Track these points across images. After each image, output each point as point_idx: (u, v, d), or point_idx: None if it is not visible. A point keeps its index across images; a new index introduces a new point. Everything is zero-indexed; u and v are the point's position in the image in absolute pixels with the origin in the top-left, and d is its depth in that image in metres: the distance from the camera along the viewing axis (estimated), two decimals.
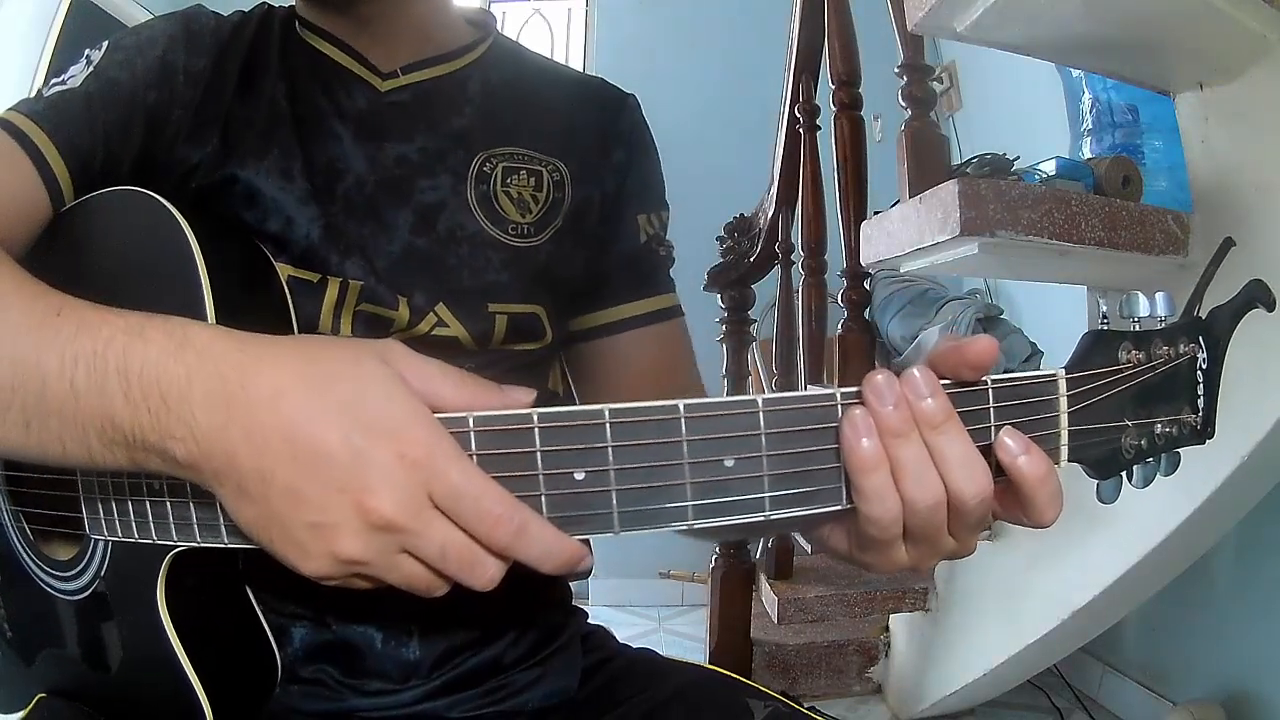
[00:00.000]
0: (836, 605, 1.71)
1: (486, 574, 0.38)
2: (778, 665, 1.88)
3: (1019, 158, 1.18)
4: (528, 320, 0.63)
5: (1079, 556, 1.35)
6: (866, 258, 1.30)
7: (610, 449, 0.38)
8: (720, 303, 2.09)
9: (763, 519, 0.39)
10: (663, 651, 0.71)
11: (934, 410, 0.39)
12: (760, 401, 0.39)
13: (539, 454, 0.38)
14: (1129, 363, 0.42)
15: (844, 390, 0.39)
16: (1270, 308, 0.44)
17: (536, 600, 0.67)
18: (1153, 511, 1.21)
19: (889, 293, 2.28)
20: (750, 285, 2.10)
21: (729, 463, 0.38)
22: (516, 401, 0.40)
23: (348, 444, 0.36)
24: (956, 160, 1.26)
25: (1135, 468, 0.43)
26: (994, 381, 0.40)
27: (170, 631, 0.49)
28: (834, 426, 0.39)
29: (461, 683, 0.62)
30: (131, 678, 0.54)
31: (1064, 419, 0.41)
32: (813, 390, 0.40)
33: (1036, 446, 0.40)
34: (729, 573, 1.83)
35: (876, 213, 1.30)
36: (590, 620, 0.74)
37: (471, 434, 0.38)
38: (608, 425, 0.38)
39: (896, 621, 1.90)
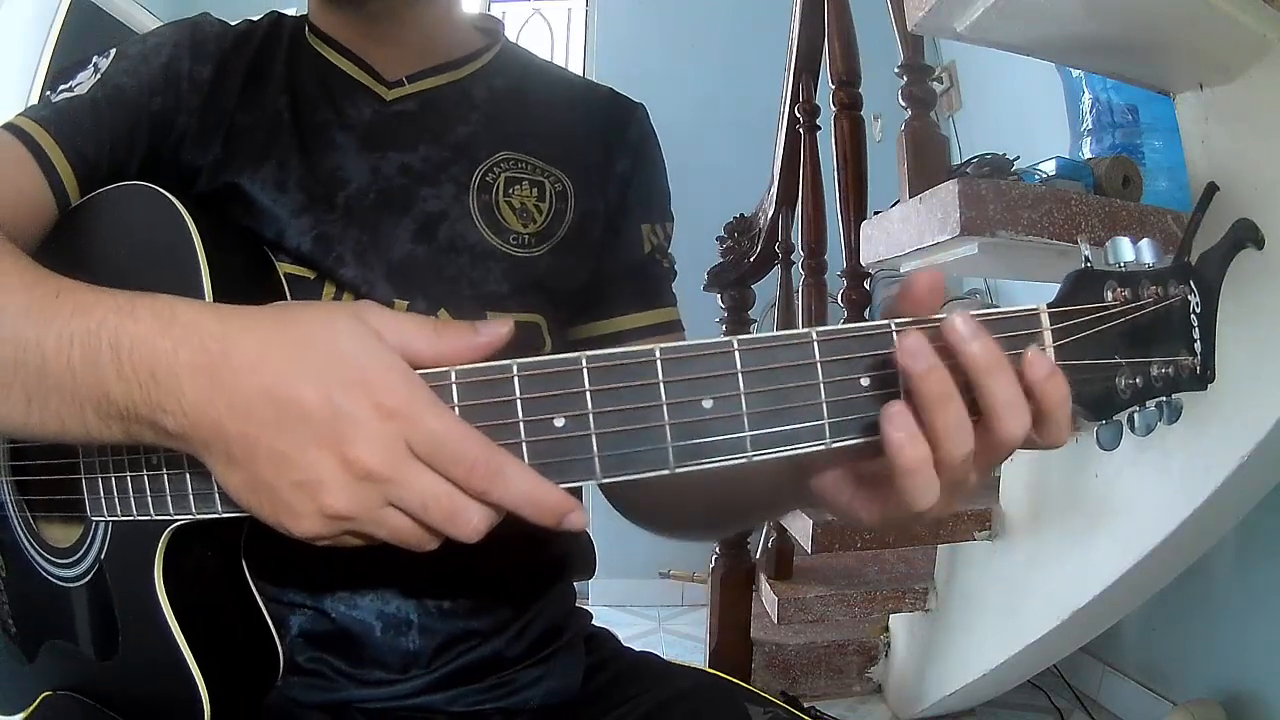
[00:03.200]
0: (836, 605, 1.71)
1: (470, 523, 0.38)
2: (778, 665, 1.88)
3: (1019, 158, 1.18)
4: (527, 330, 0.63)
5: (1079, 556, 1.36)
6: (866, 258, 1.30)
7: (589, 394, 0.38)
8: (720, 303, 2.09)
9: (745, 460, 0.39)
10: (662, 652, 0.71)
11: (983, 352, 0.38)
12: (735, 342, 0.39)
13: (519, 402, 0.39)
14: (1116, 300, 0.41)
15: (819, 330, 0.39)
16: (1259, 245, 0.43)
17: (536, 593, 0.67)
18: (1153, 511, 1.21)
19: (889, 293, 2.28)
20: (750, 285, 2.10)
21: (707, 404, 0.39)
22: (495, 336, 0.40)
23: (326, 400, 0.37)
24: (956, 160, 1.26)
25: (1135, 414, 0.42)
26: (973, 316, 0.40)
27: (168, 613, 0.50)
28: (812, 364, 0.39)
29: (463, 676, 0.62)
30: (132, 666, 0.54)
31: (1051, 353, 0.40)
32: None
33: (1059, 369, 0.39)
34: (729, 573, 1.83)
35: (876, 213, 1.30)
36: (592, 621, 0.74)
37: (454, 386, 0.39)
38: (585, 371, 0.38)
39: (896, 621, 1.90)
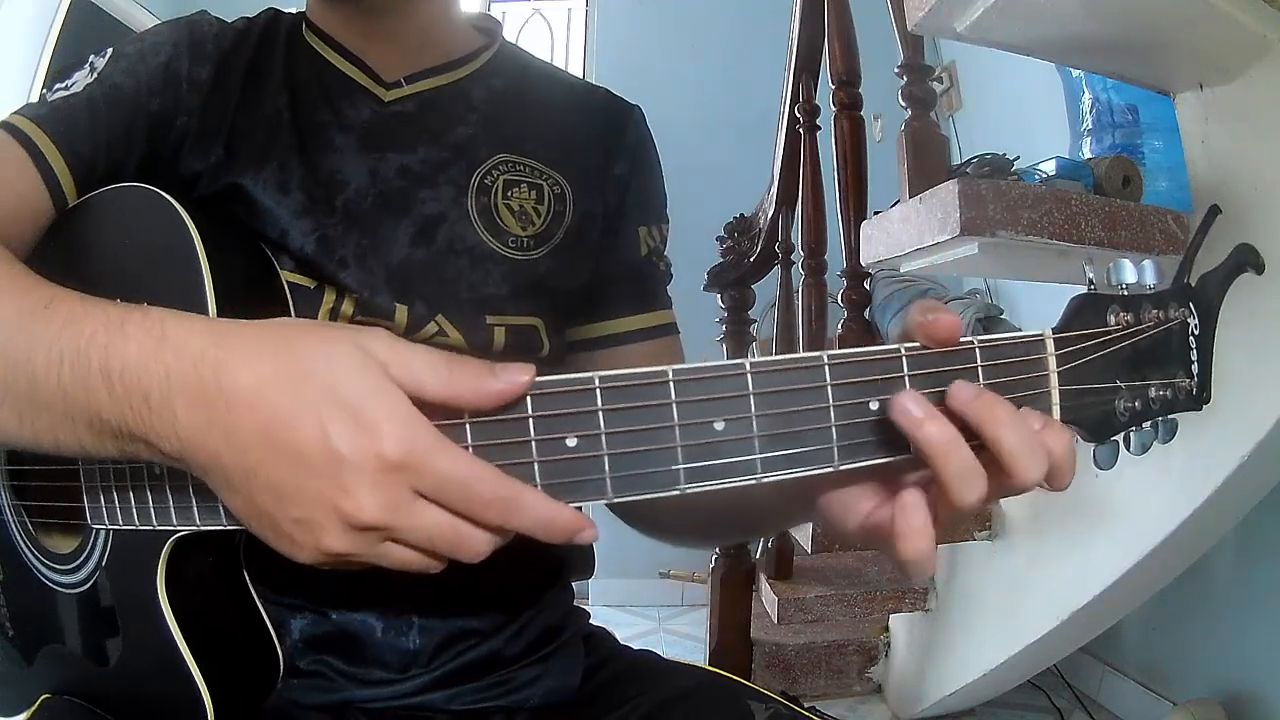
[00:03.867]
0: (836, 605, 1.71)
1: (475, 549, 0.38)
2: (778, 665, 1.88)
3: (1019, 158, 1.18)
4: (526, 332, 0.63)
5: (1079, 556, 1.36)
6: (866, 258, 1.30)
7: (601, 414, 0.38)
8: (720, 303, 2.09)
9: (755, 481, 0.39)
10: (663, 652, 0.71)
11: (987, 407, 0.39)
12: (748, 364, 0.39)
13: (531, 420, 0.38)
14: (1118, 325, 0.42)
15: (830, 353, 0.40)
16: (1259, 270, 0.44)
17: (536, 593, 0.67)
18: (1153, 511, 1.21)
19: (889, 293, 2.28)
20: (750, 285, 2.10)
21: (719, 425, 0.39)
22: (512, 384, 0.37)
23: (324, 445, 0.36)
24: (956, 160, 1.26)
25: (1132, 434, 0.43)
26: (980, 342, 0.41)
27: (170, 619, 0.50)
28: (823, 387, 0.39)
29: (461, 675, 0.62)
30: (133, 671, 0.54)
31: (1054, 378, 0.41)
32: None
33: (1055, 422, 0.40)
34: (729, 573, 1.83)
35: (876, 213, 1.30)
36: (591, 621, 0.74)
37: None
38: (598, 391, 0.38)
39: (896, 621, 1.90)
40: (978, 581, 1.61)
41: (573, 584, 0.73)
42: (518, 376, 0.38)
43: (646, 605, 2.89)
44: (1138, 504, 1.24)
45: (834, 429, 0.39)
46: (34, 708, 0.59)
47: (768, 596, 1.77)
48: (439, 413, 0.38)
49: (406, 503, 0.37)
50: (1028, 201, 1.00)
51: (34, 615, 0.60)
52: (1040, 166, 1.16)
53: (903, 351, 0.40)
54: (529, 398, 0.38)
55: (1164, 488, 1.19)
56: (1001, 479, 0.39)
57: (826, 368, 0.39)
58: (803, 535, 1.49)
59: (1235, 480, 1.08)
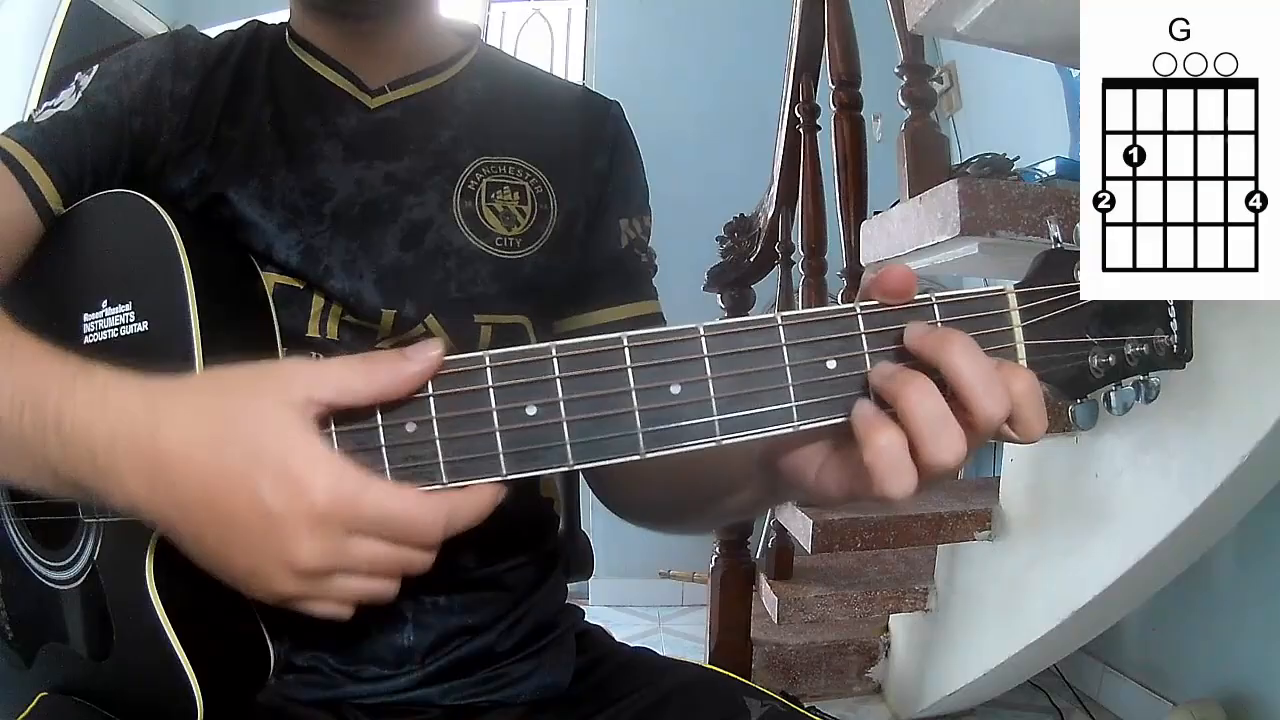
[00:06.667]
0: (836, 605, 1.71)
1: (418, 567, 0.41)
2: (778, 665, 1.88)
3: (1019, 158, 1.18)
4: (512, 330, 0.64)
5: (1079, 556, 1.36)
6: (866, 258, 1.30)
7: (559, 381, 0.39)
8: (720, 303, 2.09)
9: (715, 444, 0.39)
10: (663, 652, 0.71)
11: (943, 335, 0.38)
12: (702, 328, 0.40)
13: (492, 391, 0.39)
14: None
15: (784, 314, 0.40)
16: None
17: (528, 589, 0.68)
18: (1153, 511, 1.21)
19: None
20: (750, 285, 2.10)
21: (675, 389, 0.39)
22: (425, 361, 0.39)
23: (259, 508, 0.38)
24: (956, 160, 1.27)
25: (1111, 393, 0.42)
26: (939, 298, 0.40)
27: (160, 610, 0.50)
28: (778, 348, 0.40)
29: (455, 670, 0.63)
30: (126, 665, 0.54)
31: (1018, 333, 0.41)
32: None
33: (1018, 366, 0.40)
34: (729, 573, 1.83)
35: (876, 213, 1.30)
36: (590, 620, 0.74)
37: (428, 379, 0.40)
38: (555, 359, 0.39)
39: (896, 621, 1.90)
40: (978, 581, 1.61)
41: (572, 584, 0.74)
42: (429, 352, 0.39)
43: (646, 605, 2.89)
44: (1138, 504, 1.24)
45: (791, 389, 0.39)
46: (31, 705, 0.59)
47: (768, 596, 1.77)
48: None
49: (344, 542, 0.39)
50: (1028, 201, 1.00)
51: (32, 615, 0.61)
52: (1040, 166, 1.16)
53: (858, 310, 0.40)
54: (489, 369, 0.39)
55: (1164, 488, 1.19)
56: (962, 420, 0.38)
57: (781, 329, 0.40)
58: (803, 535, 1.49)
59: (1235, 480, 1.08)
